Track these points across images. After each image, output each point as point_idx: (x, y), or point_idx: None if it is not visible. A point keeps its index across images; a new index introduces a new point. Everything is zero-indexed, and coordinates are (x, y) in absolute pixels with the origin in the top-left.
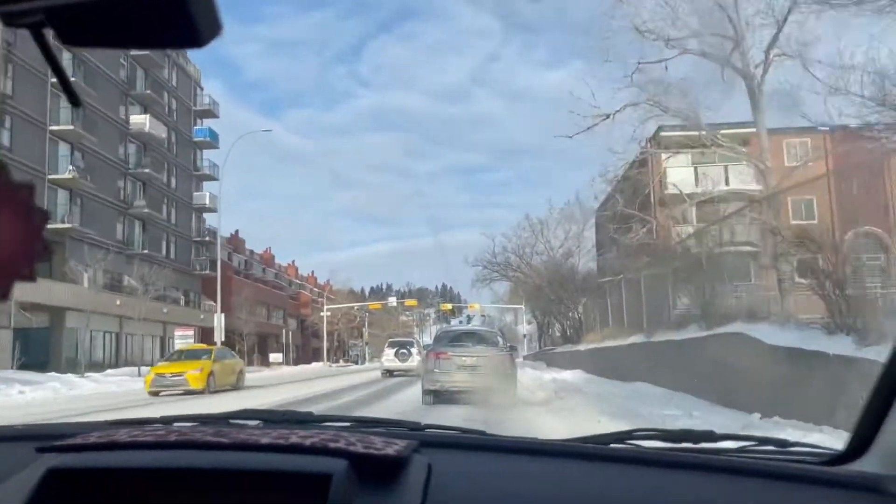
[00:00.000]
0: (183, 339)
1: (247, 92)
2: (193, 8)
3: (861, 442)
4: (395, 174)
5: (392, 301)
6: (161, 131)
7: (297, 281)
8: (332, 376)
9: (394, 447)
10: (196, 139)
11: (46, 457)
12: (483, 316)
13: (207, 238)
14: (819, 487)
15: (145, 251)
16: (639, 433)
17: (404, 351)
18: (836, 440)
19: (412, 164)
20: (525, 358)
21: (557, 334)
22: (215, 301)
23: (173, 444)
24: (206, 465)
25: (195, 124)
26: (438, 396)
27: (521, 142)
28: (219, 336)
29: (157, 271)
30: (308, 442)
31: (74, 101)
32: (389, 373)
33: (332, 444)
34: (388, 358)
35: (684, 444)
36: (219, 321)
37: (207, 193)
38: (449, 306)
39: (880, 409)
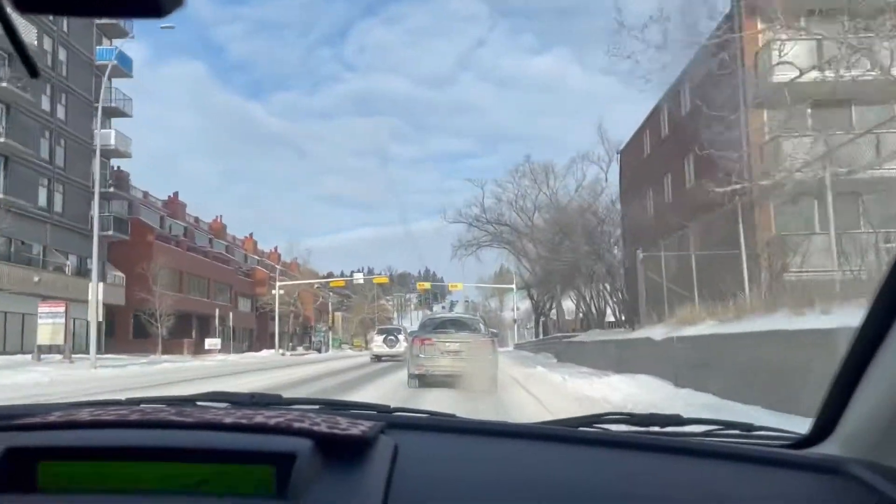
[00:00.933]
0: (50, 317)
1: (230, 73)
2: None
3: (825, 425)
4: (379, 159)
5: (358, 278)
6: (31, 35)
7: (255, 256)
8: (269, 369)
9: (359, 428)
10: (99, 62)
11: (4, 435)
12: (467, 301)
13: (112, 188)
14: (782, 470)
15: (2, 197)
16: (607, 417)
17: (392, 338)
18: None
19: (397, 150)
20: (517, 347)
21: (568, 317)
22: (123, 270)
23: (135, 423)
24: (167, 444)
25: (99, 43)
26: (423, 380)
27: (507, 128)
28: (94, 315)
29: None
30: (272, 422)
31: (33, 71)
32: (378, 358)
33: (296, 424)
34: (377, 344)
35: (651, 428)
36: (94, 293)
37: (114, 131)
38: (427, 285)
39: (843, 393)
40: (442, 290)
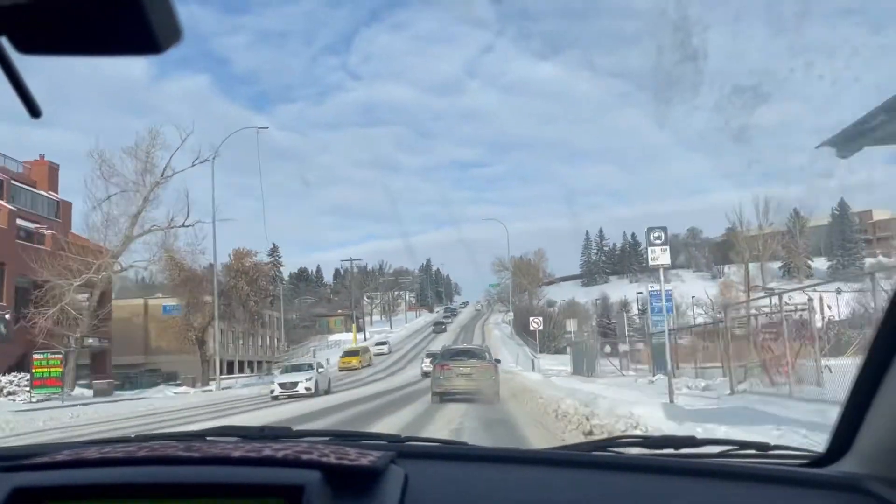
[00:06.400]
0: None
1: (235, 86)
2: (152, 15)
3: (842, 443)
4: (386, 169)
5: None
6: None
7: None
8: None
9: (368, 458)
10: None
11: (13, 476)
12: (478, 302)
13: None
14: (802, 489)
15: None
16: (621, 440)
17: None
18: None
19: (403, 159)
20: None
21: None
22: None
23: (142, 459)
24: (174, 480)
25: None
26: (443, 397)
27: (516, 135)
28: None
29: None
30: (280, 454)
31: (34, 111)
32: (426, 375)
33: (304, 456)
34: (426, 365)
35: (666, 450)
36: None
37: None
38: None
39: (859, 411)
40: (448, 290)
